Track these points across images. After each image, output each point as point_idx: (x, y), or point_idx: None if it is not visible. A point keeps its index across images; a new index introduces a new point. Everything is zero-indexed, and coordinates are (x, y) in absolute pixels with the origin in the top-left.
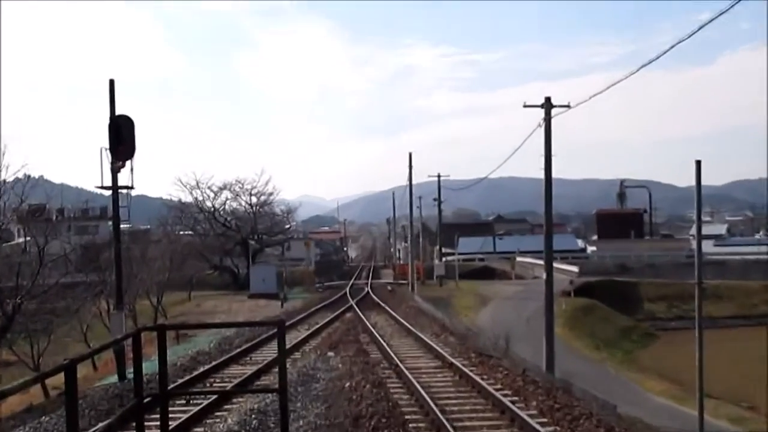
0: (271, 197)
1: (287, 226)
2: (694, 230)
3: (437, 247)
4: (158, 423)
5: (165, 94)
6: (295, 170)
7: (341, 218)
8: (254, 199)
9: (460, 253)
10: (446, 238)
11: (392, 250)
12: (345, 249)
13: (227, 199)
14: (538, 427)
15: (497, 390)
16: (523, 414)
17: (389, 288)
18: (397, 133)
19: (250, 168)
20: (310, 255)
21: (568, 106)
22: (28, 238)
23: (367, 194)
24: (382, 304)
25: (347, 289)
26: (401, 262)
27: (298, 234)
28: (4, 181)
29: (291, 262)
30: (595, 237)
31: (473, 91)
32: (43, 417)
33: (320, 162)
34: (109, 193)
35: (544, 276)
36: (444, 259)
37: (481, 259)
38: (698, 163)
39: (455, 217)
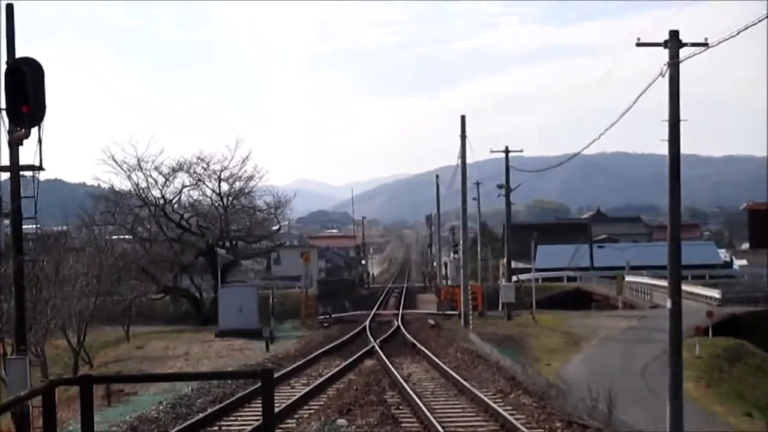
0: (252, 183)
1: (276, 228)
2: None
3: (503, 260)
4: None
5: (89, 32)
6: (289, 144)
7: (358, 215)
8: (225, 187)
9: (538, 269)
10: (518, 245)
11: (435, 264)
12: (364, 262)
13: (185, 186)
14: None
15: None
16: None
17: (431, 322)
18: (438, 88)
19: (220, 141)
20: (310, 271)
21: (705, 45)
22: None
23: (396, 179)
24: (420, 347)
25: (367, 323)
26: (449, 282)
27: (293, 239)
28: None
29: (281, 282)
30: (745, 245)
31: (548, 24)
32: None
33: (325, 133)
34: (6, 176)
35: (669, 305)
36: (515, 278)
37: (572, 278)
38: None
39: (531, 215)
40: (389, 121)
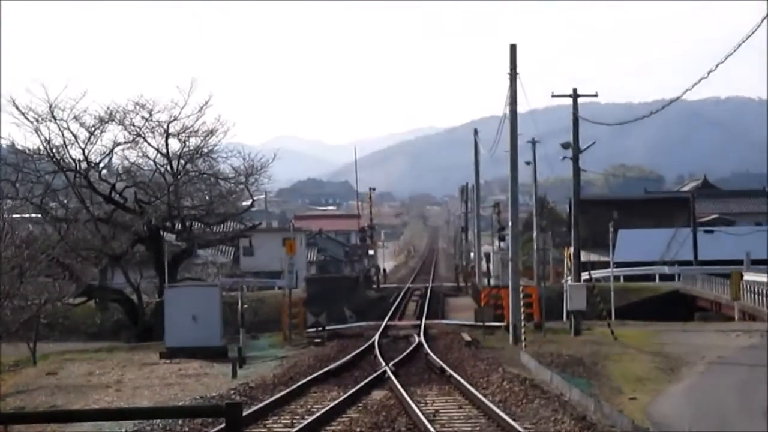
0: (214, 141)
1: (247, 204)
2: None
3: (569, 249)
4: None
5: None
6: (266, 88)
7: (363, 186)
8: (175, 145)
9: (619, 264)
10: (590, 229)
11: (472, 256)
12: (372, 252)
13: (118, 144)
14: None
15: None
16: None
17: (466, 338)
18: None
19: (169, 82)
20: (292, 264)
21: None
22: None
23: (418, 136)
24: (451, 372)
25: (376, 339)
26: (492, 282)
27: (272, 220)
28: None
29: (255, 281)
30: None
31: None
32: None
33: (317, 72)
34: None
35: None
36: (585, 276)
37: (667, 276)
38: None
39: (610, 186)
40: (407, 56)
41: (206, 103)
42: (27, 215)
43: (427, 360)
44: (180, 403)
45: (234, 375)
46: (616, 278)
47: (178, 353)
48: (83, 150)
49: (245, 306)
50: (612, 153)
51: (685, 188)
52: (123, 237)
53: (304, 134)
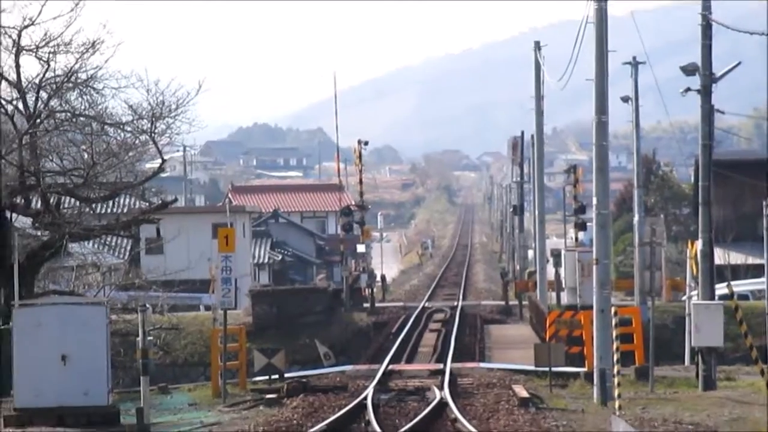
0: (96, 61)
1: (154, 167)
2: None
3: (694, 245)
4: None
5: None
6: None
7: (348, 136)
8: (33, 67)
9: None
10: (731, 210)
11: (531, 255)
12: (361, 249)
13: None
14: None
15: None
16: None
17: (521, 394)
18: None
19: None
20: (229, 268)
21: None
22: None
23: (433, 64)
24: None
25: (368, 395)
26: (566, 299)
27: (195, 194)
28: None
29: (165, 296)
30: None
31: None
32: None
33: None
34: None
35: None
36: (722, 288)
37: None
38: None
39: (762, 137)
40: None
41: None
42: None
43: (455, 431)
44: None
45: None
46: None
47: (34, 418)
48: None
49: (150, 339)
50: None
51: None
52: None
53: (250, 59)
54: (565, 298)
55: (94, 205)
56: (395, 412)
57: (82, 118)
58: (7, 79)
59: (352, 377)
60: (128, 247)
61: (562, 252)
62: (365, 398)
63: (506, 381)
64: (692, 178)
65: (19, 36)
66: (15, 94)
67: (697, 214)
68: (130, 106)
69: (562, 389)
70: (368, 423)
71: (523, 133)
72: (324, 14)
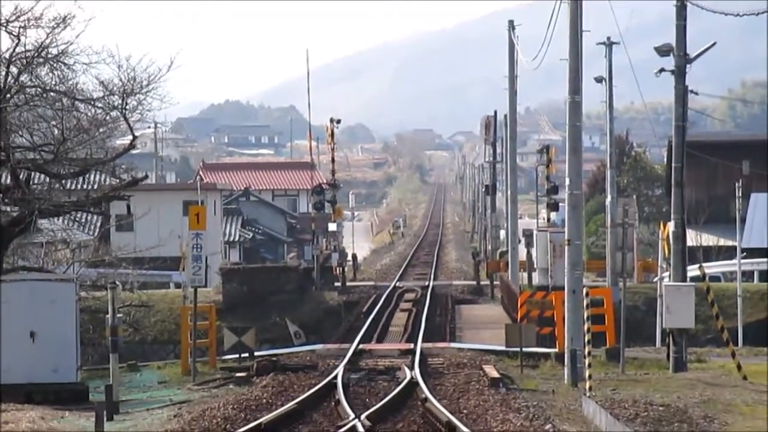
0: (67, 36)
1: (125, 143)
2: None
3: (666, 227)
4: None
5: None
6: None
7: (320, 116)
8: (3, 42)
9: (749, 251)
10: (703, 191)
11: (503, 235)
12: (333, 228)
13: None
14: None
15: None
16: None
17: (492, 374)
18: None
19: None
20: (200, 246)
21: None
22: None
23: (410, 40)
24: None
25: (338, 374)
26: (537, 280)
27: (166, 171)
28: None
29: (135, 273)
30: None
31: None
32: None
33: None
34: None
35: None
36: (693, 270)
37: None
38: None
39: (736, 118)
40: None
41: None
42: None
43: (425, 411)
44: None
45: None
46: (745, 275)
47: (3, 394)
48: None
49: (119, 316)
50: (741, 64)
51: None
52: None
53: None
54: (536, 279)
55: (64, 182)
56: (365, 392)
57: (52, 94)
58: None
59: (323, 356)
60: (98, 224)
61: (534, 232)
62: (335, 377)
63: (477, 361)
64: (665, 159)
65: None
66: None
67: (670, 195)
68: (101, 82)
69: (533, 370)
70: (338, 402)
71: (496, 112)
72: None
